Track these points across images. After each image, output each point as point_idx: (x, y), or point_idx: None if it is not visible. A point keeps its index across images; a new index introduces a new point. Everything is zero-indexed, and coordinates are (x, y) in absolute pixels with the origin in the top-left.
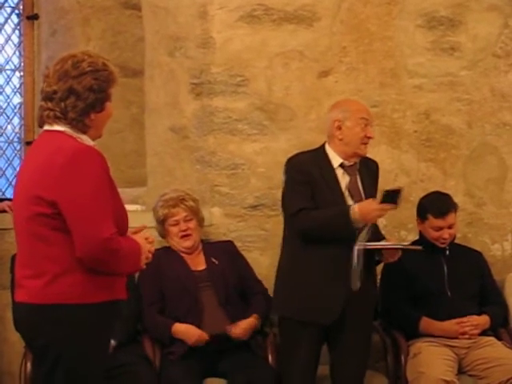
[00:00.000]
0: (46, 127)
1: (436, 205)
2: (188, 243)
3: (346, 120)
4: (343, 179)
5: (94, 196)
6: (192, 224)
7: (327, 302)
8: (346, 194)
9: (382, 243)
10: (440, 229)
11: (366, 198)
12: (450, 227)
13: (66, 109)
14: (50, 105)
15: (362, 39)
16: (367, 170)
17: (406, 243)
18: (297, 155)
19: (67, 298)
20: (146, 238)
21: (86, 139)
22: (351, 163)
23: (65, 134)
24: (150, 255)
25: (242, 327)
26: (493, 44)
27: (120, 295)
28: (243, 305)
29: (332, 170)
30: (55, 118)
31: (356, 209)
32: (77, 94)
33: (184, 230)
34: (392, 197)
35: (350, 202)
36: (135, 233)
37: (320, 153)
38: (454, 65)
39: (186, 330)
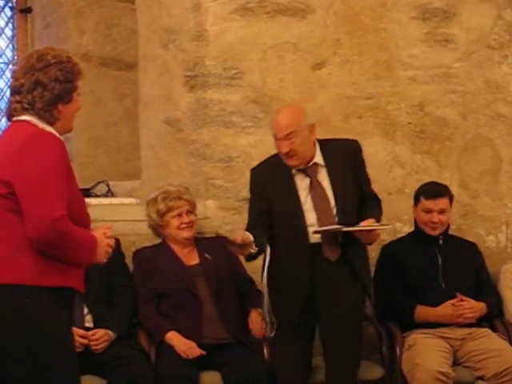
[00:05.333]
0: (15, 118)
1: (428, 188)
2: (188, 234)
3: None
4: (303, 182)
5: (46, 176)
6: (192, 217)
7: (295, 275)
8: (308, 198)
9: (343, 226)
10: (430, 211)
11: (336, 192)
12: (440, 212)
13: (33, 99)
14: (17, 98)
15: (356, 31)
16: (339, 154)
17: (368, 226)
18: (258, 166)
19: (18, 279)
20: (104, 233)
21: (51, 131)
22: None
23: (30, 123)
24: (110, 250)
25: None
26: (487, 35)
27: (77, 285)
28: (236, 300)
29: (290, 175)
30: (23, 109)
31: None
32: (43, 85)
33: (187, 223)
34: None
35: (308, 206)
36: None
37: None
38: (448, 56)
39: (177, 344)
